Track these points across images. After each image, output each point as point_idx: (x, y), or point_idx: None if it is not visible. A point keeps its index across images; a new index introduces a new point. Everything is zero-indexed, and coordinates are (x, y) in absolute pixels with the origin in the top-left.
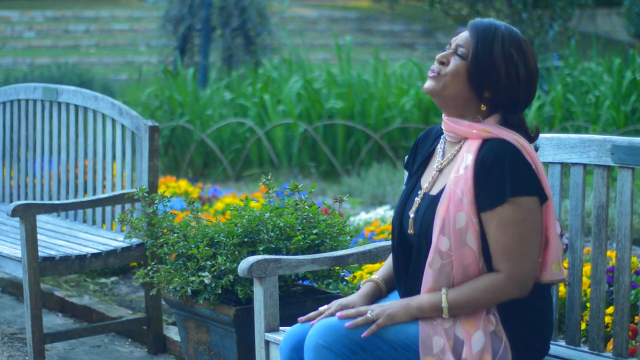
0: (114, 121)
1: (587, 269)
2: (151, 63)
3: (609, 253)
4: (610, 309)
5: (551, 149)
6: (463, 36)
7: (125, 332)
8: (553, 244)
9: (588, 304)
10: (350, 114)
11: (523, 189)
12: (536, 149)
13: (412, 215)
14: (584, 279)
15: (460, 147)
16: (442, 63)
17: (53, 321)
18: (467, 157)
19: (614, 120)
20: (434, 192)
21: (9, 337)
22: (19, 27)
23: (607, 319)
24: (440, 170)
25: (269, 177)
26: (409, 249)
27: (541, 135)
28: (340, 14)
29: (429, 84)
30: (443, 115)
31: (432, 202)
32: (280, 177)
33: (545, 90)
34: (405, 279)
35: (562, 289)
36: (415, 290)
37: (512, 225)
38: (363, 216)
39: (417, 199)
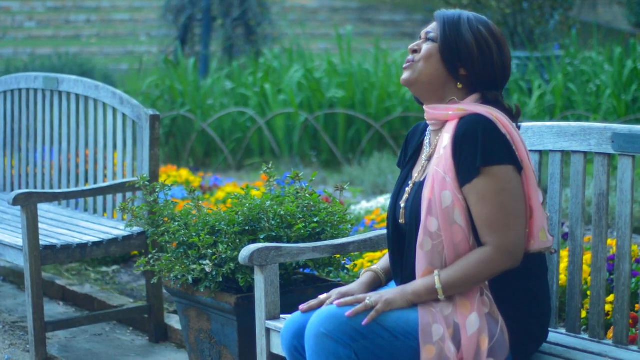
0: (114, 110)
1: (587, 257)
2: (152, 53)
3: (609, 241)
4: (611, 297)
5: (552, 137)
6: (431, 25)
7: (127, 320)
8: (537, 213)
9: (589, 292)
10: (351, 103)
11: (495, 159)
12: (518, 129)
13: (402, 205)
14: (585, 267)
15: (442, 132)
16: (415, 51)
17: (54, 310)
18: (445, 137)
19: (615, 110)
20: (422, 179)
21: (10, 325)
22: (19, 17)
23: (608, 307)
24: (429, 159)
25: (270, 165)
26: (402, 239)
27: (542, 124)
28: (341, 4)
29: (405, 74)
30: (424, 105)
31: (419, 188)
32: (282, 167)
33: (546, 79)
34: (401, 269)
35: (562, 277)
36: (412, 280)
37: (491, 196)
38: (364, 205)
39: (408, 189)
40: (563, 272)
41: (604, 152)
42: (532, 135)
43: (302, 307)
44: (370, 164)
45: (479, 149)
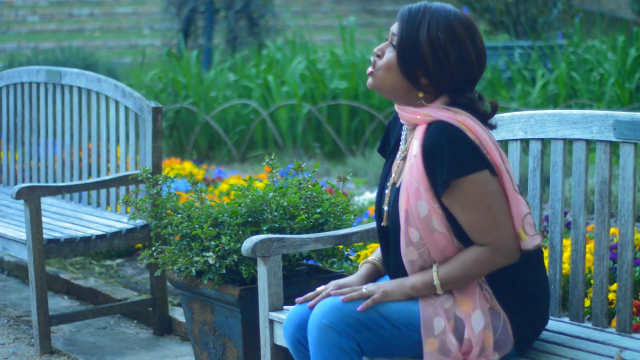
0: (117, 103)
1: (590, 246)
2: (155, 46)
3: (612, 230)
4: (614, 286)
5: (553, 125)
6: (396, 25)
7: (131, 313)
8: (514, 215)
9: (592, 281)
10: (355, 94)
11: (467, 168)
12: (493, 127)
13: (385, 208)
14: (588, 255)
15: (413, 136)
16: (378, 56)
17: (59, 303)
18: (415, 144)
19: (619, 98)
20: (398, 182)
21: (15, 319)
22: (22, 12)
23: (611, 296)
24: (404, 159)
25: (272, 157)
26: (388, 240)
27: (543, 111)
28: None
29: (369, 80)
30: (395, 106)
31: (397, 193)
32: (285, 158)
33: (550, 68)
34: (390, 267)
35: (565, 266)
36: (399, 276)
37: (475, 202)
38: (367, 196)
39: (387, 191)
40: (566, 261)
41: (605, 140)
42: (534, 124)
43: (299, 299)
44: (373, 154)
45: (447, 162)
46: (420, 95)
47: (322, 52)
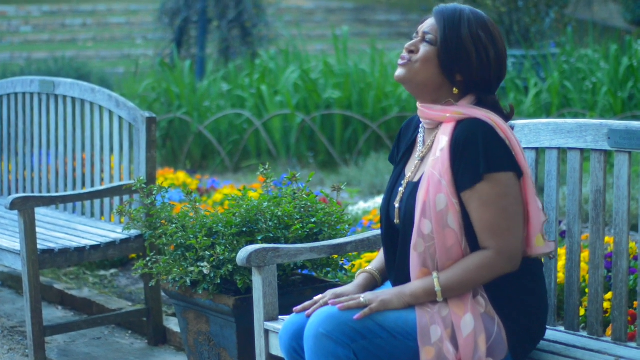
0: (111, 113)
1: (585, 255)
2: (148, 56)
3: (607, 239)
4: (609, 295)
5: (548, 134)
6: (429, 23)
7: (126, 324)
8: (534, 219)
9: (587, 290)
10: (348, 103)
11: (498, 165)
12: (511, 129)
13: (397, 205)
14: (583, 264)
15: (437, 132)
16: (412, 51)
17: (53, 314)
18: (442, 139)
19: (611, 107)
20: (416, 179)
21: (9, 330)
22: (15, 22)
23: (606, 305)
24: (422, 159)
25: (267, 166)
26: (396, 238)
27: (538, 121)
28: (336, 5)
29: (400, 71)
30: (417, 103)
31: (414, 188)
32: (279, 168)
33: (542, 77)
34: (394, 267)
35: (560, 275)
36: (404, 279)
37: (494, 201)
38: (362, 205)
39: (401, 189)
40: (561, 270)
41: (600, 149)
42: (529, 133)
43: (297, 308)
44: (367, 164)
45: (481, 156)
46: (456, 91)
47: (315, 62)
